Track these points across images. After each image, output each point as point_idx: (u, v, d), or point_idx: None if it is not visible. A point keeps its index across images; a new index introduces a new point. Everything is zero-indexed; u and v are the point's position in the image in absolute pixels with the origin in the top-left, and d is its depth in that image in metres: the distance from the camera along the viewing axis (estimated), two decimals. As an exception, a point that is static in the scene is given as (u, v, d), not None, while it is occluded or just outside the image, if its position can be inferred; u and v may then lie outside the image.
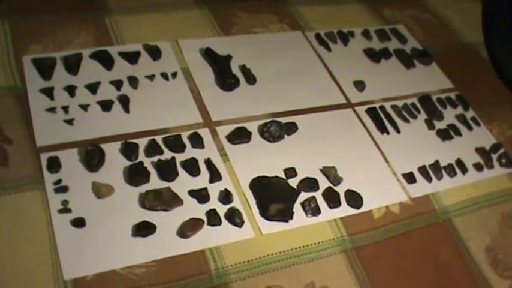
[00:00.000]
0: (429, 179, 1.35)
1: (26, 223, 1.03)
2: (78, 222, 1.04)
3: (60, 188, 1.08)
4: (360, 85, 1.50)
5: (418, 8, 1.87)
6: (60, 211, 1.05)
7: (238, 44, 1.47)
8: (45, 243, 1.01)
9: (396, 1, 1.84)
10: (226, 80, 1.33)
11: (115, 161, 1.15)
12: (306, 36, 1.58)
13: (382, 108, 1.47)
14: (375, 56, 1.60)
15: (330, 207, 1.21)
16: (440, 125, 1.50)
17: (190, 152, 1.20)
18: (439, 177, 1.36)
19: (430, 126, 1.48)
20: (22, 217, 1.03)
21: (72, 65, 1.28)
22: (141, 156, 1.17)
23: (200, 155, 1.20)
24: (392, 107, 1.49)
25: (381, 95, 1.51)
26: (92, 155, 1.12)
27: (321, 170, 1.27)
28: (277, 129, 1.28)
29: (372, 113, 1.45)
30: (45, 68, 1.26)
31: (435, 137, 1.47)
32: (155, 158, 1.16)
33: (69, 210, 1.05)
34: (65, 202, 1.06)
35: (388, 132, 1.41)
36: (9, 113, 1.17)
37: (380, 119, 1.44)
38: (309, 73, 1.48)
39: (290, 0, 1.69)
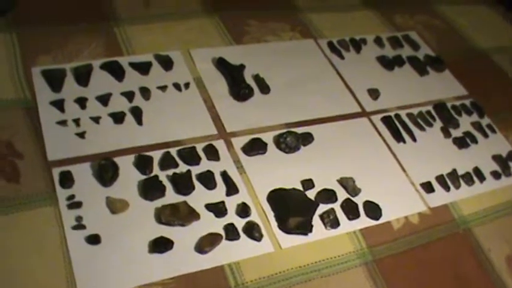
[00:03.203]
0: (447, 188, 1.33)
1: (39, 240, 1.00)
2: (93, 239, 1.01)
3: (74, 204, 1.05)
4: (374, 93, 1.47)
5: (429, 14, 1.85)
6: (75, 227, 1.01)
7: (251, 53, 1.44)
8: (59, 261, 0.97)
9: (407, 8, 1.82)
10: (240, 90, 1.30)
11: (129, 175, 1.11)
12: (318, 44, 1.56)
13: (397, 116, 1.44)
14: (388, 63, 1.58)
15: (349, 219, 1.18)
16: (456, 132, 1.47)
17: (205, 165, 1.17)
18: (457, 186, 1.34)
19: (446, 134, 1.45)
20: (35, 234, 1.00)
21: (83, 76, 1.25)
22: (156, 170, 1.14)
23: (216, 167, 1.17)
24: (408, 115, 1.47)
25: (396, 103, 1.49)
26: (106, 169, 1.09)
27: (338, 181, 1.24)
28: (293, 140, 1.25)
29: (387, 121, 1.42)
30: (55, 80, 1.23)
31: (451, 145, 1.44)
32: (170, 171, 1.13)
33: (83, 227, 1.02)
34: (79, 218, 1.03)
35: (404, 141, 1.38)
36: (19, 127, 1.14)
37: (396, 127, 1.41)
38: (323, 81, 1.45)
39: (301, 8, 1.67)
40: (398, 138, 1.38)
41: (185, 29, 1.45)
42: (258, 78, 1.36)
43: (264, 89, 1.35)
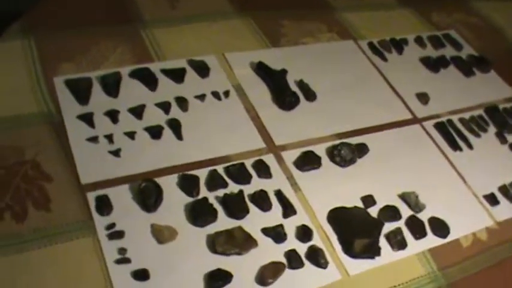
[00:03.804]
0: (512, 200, 1.20)
1: (78, 278, 0.86)
2: (141, 275, 0.87)
3: (115, 234, 0.91)
4: (423, 98, 1.36)
5: (465, 11, 1.74)
6: (118, 261, 0.87)
7: (290, 57, 1.32)
8: (104, 302, 0.83)
9: (443, 5, 1.72)
10: (285, 98, 1.18)
11: (174, 198, 0.98)
12: (359, 45, 1.44)
13: (450, 122, 1.33)
14: (432, 64, 1.47)
15: (416, 238, 1.07)
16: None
17: (257, 183, 1.05)
18: (523, 197, 1.21)
19: (502, 139, 1.34)
20: (73, 271, 0.86)
21: (111, 85, 1.12)
22: (203, 191, 1.00)
23: (269, 185, 1.05)
24: (460, 120, 1.35)
25: (446, 108, 1.37)
26: (148, 192, 0.95)
27: (400, 196, 1.13)
28: (348, 152, 1.13)
29: (441, 128, 1.31)
30: (80, 91, 1.09)
31: (509, 152, 1.32)
32: (220, 192, 1.00)
33: (128, 260, 0.88)
34: (122, 250, 0.89)
35: (460, 149, 1.27)
36: (45, 144, 1.01)
37: (450, 134, 1.30)
38: (369, 86, 1.34)
39: (335, 7, 1.55)
40: (455, 146, 1.27)
41: (217, 31, 1.33)
42: (302, 84, 1.23)
43: (310, 96, 1.23)
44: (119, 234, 0.91)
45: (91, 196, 0.95)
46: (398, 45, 1.49)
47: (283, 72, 1.25)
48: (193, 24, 1.33)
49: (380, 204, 1.09)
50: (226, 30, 1.34)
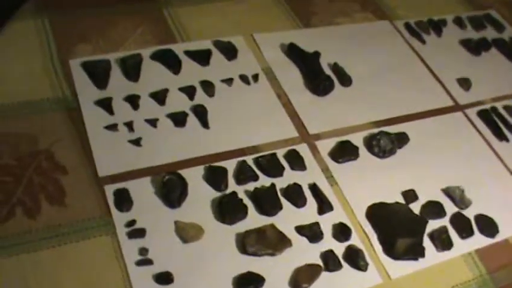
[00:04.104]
0: None
1: (95, 281, 0.78)
2: (164, 278, 0.79)
3: (135, 232, 0.83)
4: (465, 83, 1.26)
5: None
6: (139, 263, 0.80)
7: (323, 38, 1.23)
8: (123, 308, 0.75)
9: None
10: (319, 83, 1.08)
11: (200, 192, 0.90)
12: (395, 26, 1.35)
13: (494, 109, 1.24)
14: (473, 47, 1.37)
15: (462, 238, 0.98)
16: (560, 127, 1.24)
17: (290, 176, 0.96)
18: None
19: (551, 129, 1.22)
20: (90, 273, 0.79)
21: (131, 68, 1.04)
22: (231, 184, 0.92)
23: (302, 178, 0.96)
24: (505, 107, 1.24)
25: (490, 94, 1.27)
26: (171, 186, 0.87)
27: (444, 190, 1.03)
28: (387, 142, 1.04)
29: (484, 116, 1.22)
30: (98, 74, 1.01)
31: (559, 143, 1.21)
32: (250, 186, 0.92)
33: (150, 262, 0.80)
34: (143, 251, 0.81)
35: (507, 139, 1.17)
36: (60, 133, 0.93)
37: (495, 123, 1.20)
38: (407, 70, 1.25)
39: None
40: (500, 135, 1.18)
41: (244, 10, 1.24)
42: (337, 68, 1.14)
43: (345, 81, 1.13)
44: (140, 233, 0.83)
45: (109, 190, 0.87)
46: (437, 26, 1.39)
47: (316, 54, 1.16)
48: (218, 2, 1.24)
49: (422, 199, 1.01)
50: (254, 8, 1.25)
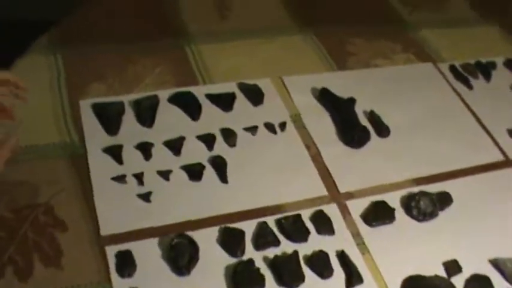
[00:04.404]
0: None
1: None
2: None
3: (137, 303, 0.72)
4: (517, 135, 1.13)
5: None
6: None
7: (359, 82, 1.15)
8: None
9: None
10: (354, 133, 0.99)
11: (213, 258, 0.81)
12: (439, 69, 1.26)
13: (549, 166, 1.09)
14: (527, 94, 1.24)
15: (512, 320, 0.83)
16: None
17: (316, 241, 0.86)
18: None
19: None
20: None
21: (146, 111, 0.97)
22: (249, 249, 0.82)
23: (329, 245, 0.86)
24: (562, 164, 1.11)
25: (546, 148, 1.15)
26: (180, 251, 0.79)
27: (491, 261, 0.92)
28: (428, 204, 0.95)
29: (539, 173, 1.07)
30: (110, 117, 0.95)
31: None
32: (269, 252, 0.82)
33: None
34: (145, 327, 0.70)
35: None
36: (63, 183, 0.85)
37: (551, 182, 1.06)
38: (452, 119, 1.15)
39: (410, 23, 1.38)
40: (558, 199, 1.04)
41: (273, 49, 1.17)
42: (373, 116, 1.05)
43: (383, 131, 1.05)
44: (142, 304, 0.72)
45: (111, 251, 0.79)
46: (485, 70, 1.30)
47: (351, 101, 1.07)
48: (245, 40, 1.18)
49: (466, 272, 0.90)
50: (284, 48, 1.18)
